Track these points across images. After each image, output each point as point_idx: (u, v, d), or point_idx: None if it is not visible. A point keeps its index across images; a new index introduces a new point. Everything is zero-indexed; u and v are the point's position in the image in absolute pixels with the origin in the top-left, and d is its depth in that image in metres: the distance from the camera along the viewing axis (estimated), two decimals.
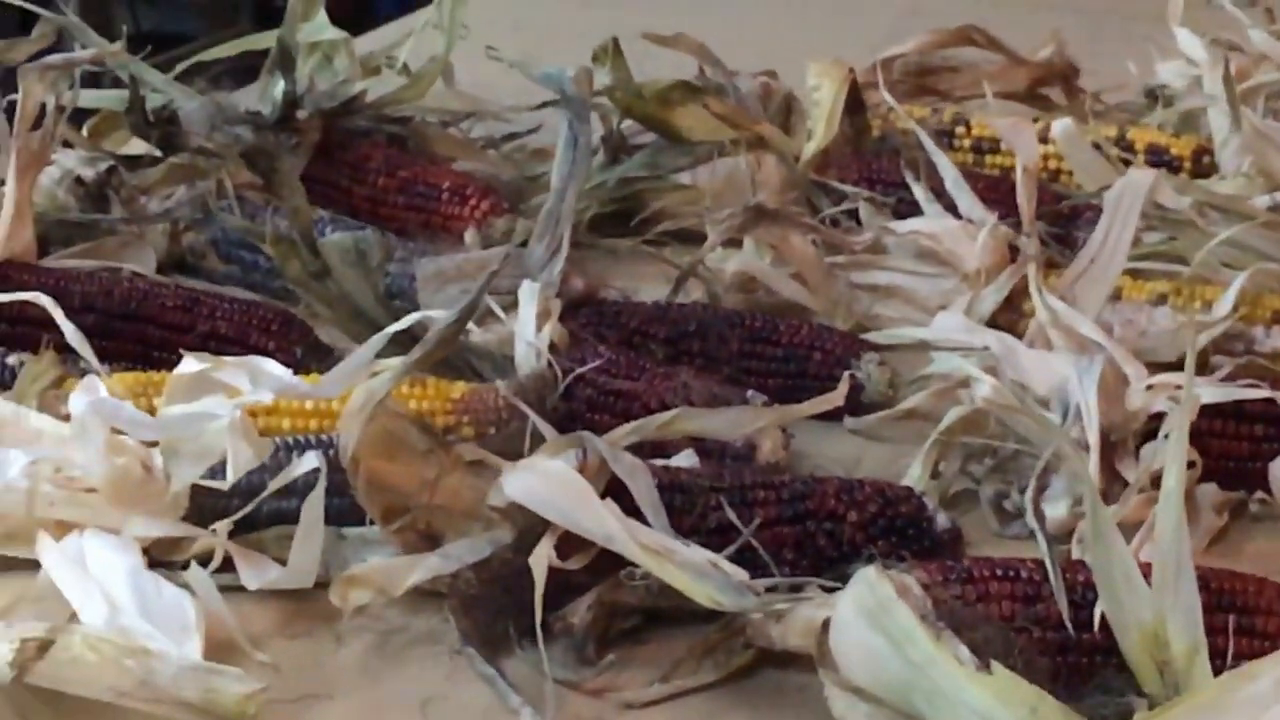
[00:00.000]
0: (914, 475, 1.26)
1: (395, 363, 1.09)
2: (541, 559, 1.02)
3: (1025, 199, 1.35)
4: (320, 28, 1.75)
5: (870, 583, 1.01)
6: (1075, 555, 1.14)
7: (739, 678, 1.09)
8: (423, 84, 1.77)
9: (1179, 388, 1.21)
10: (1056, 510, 1.21)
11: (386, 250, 1.37)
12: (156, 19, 4.12)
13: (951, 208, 1.54)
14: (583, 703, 1.07)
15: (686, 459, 1.25)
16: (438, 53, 1.79)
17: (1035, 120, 1.75)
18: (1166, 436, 1.16)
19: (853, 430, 1.37)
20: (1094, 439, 1.16)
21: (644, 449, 1.25)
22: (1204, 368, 1.37)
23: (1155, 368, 1.34)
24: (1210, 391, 1.21)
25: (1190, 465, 1.20)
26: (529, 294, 1.36)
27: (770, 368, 1.40)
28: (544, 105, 1.77)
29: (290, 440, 1.15)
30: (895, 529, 1.16)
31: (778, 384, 1.39)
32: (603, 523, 1.01)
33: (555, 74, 1.42)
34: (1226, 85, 1.47)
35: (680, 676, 1.08)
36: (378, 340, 1.11)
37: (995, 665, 0.94)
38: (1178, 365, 1.36)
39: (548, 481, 1.04)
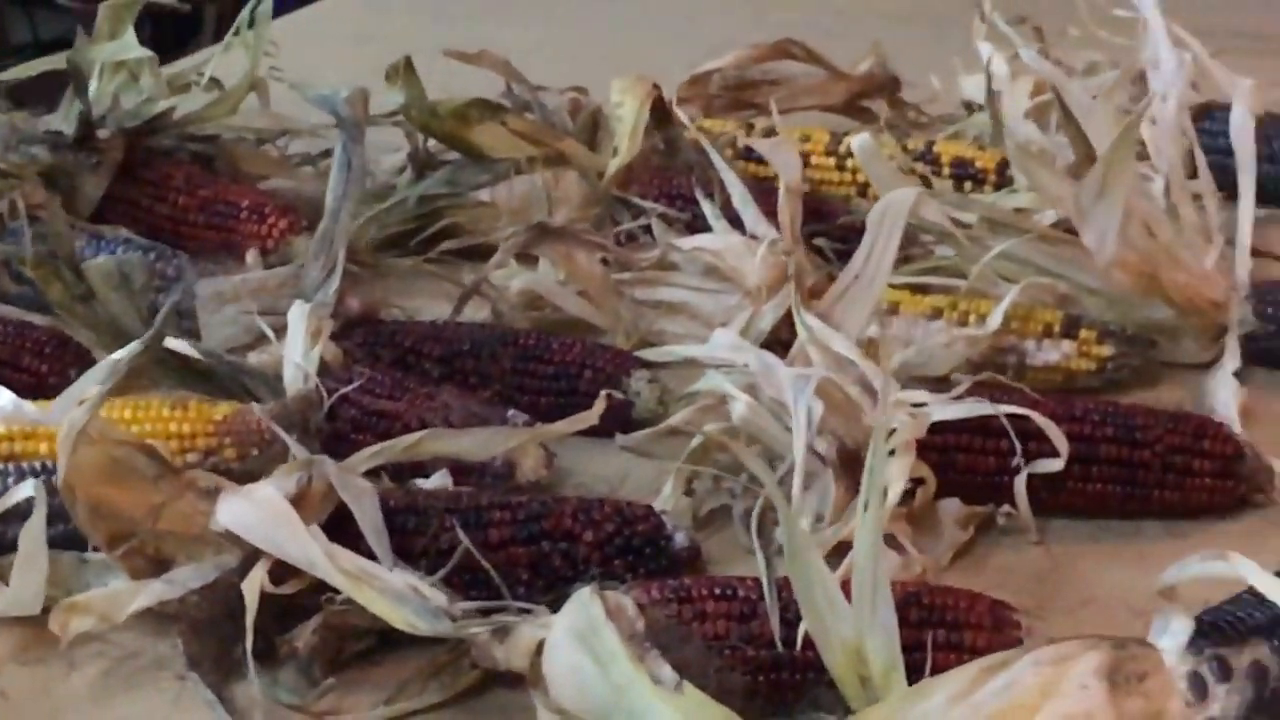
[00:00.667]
0: (666, 493, 1.27)
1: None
2: (254, 584, 1.03)
3: (787, 217, 1.37)
4: (126, 46, 1.75)
5: (583, 603, 1.02)
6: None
7: (468, 698, 1.10)
8: (229, 102, 1.77)
9: (916, 405, 1.23)
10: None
11: (151, 273, 1.37)
12: (60, 28, 4.07)
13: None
14: None
15: (440, 479, 1.26)
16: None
17: (845, 134, 1.77)
18: (892, 453, 1.18)
19: (624, 447, 1.38)
20: (799, 454, 1.18)
21: (404, 470, 1.27)
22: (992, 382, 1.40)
23: (927, 382, 1.37)
24: (943, 410, 1.22)
25: (920, 482, 1.22)
26: (298, 315, 1.37)
27: (541, 385, 1.41)
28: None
29: (12, 467, 1.15)
30: (632, 548, 1.17)
31: (549, 402, 1.40)
32: (305, 548, 1.02)
33: (329, 95, 1.42)
34: (989, 102, 1.48)
35: (406, 698, 1.09)
36: (104, 367, 1.11)
37: (687, 686, 0.96)
38: (944, 380, 1.39)
39: (256, 508, 1.05)
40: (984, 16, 1.51)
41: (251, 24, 1.76)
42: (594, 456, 1.37)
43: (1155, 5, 1.45)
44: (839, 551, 1.22)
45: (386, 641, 1.13)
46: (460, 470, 1.28)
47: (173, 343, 1.28)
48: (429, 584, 1.05)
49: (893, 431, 1.18)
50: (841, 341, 1.30)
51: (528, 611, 1.09)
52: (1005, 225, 1.51)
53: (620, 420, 1.39)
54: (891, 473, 1.17)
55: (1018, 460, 1.23)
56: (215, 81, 1.83)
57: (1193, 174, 1.59)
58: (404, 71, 1.64)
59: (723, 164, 1.55)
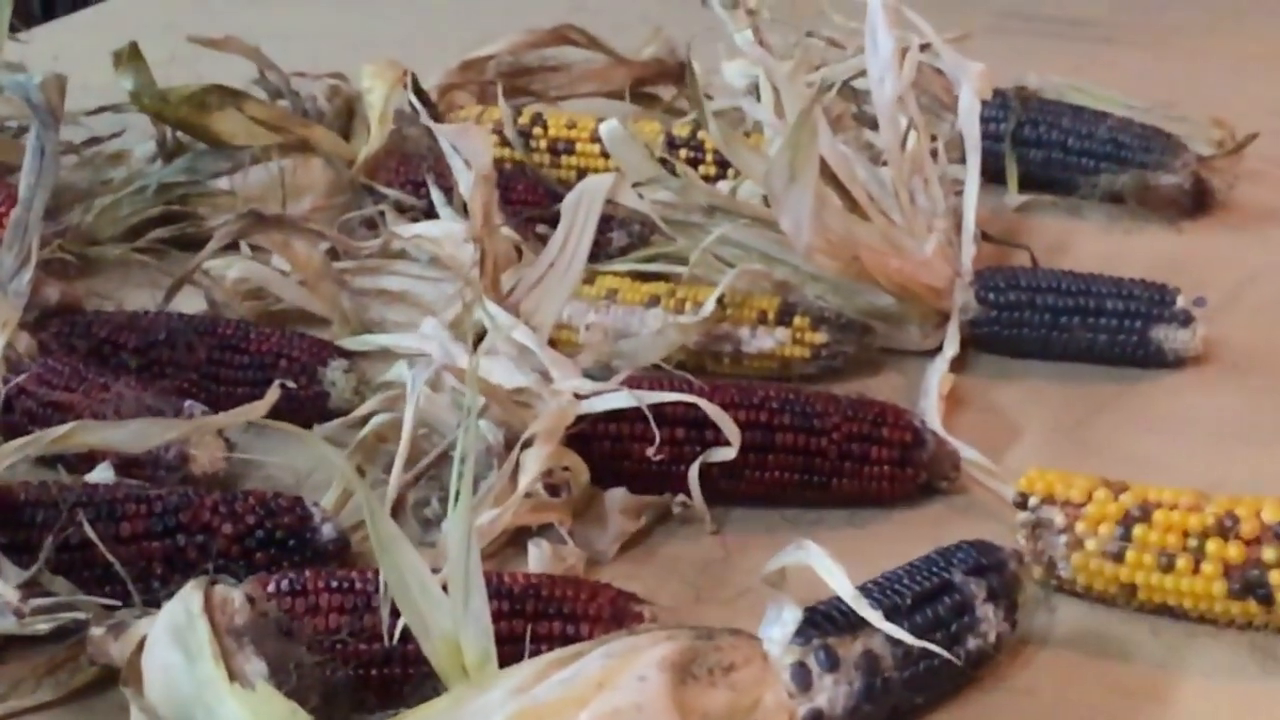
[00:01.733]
0: (334, 485, 1.25)
1: None
2: None
3: (478, 204, 1.34)
4: None
5: (185, 597, 1.01)
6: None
7: (88, 695, 1.08)
8: None
9: (579, 395, 1.21)
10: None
11: None
12: None
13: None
14: None
15: (102, 472, 1.23)
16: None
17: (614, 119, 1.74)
18: (527, 444, 1.16)
19: (315, 439, 1.35)
20: (404, 442, 1.16)
21: (80, 463, 1.24)
22: (698, 369, 1.38)
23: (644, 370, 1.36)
24: (598, 400, 1.20)
25: (565, 469, 1.20)
26: None
27: (238, 375, 1.39)
28: (100, 110, 1.75)
29: None
30: (274, 540, 1.15)
31: (245, 392, 1.38)
32: None
33: (22, 81, 1.39)
34: (690, 87, 1.46)
35: (20, 695, 1.07)
36: None
37: (260, 684, 0.94)
38: (655, 369, 1.38)
39: None
40: (703, 1, 1.49)
41: None
42: (288, 449, 1.34)
43: None
44: (515, 540, 1.21)
45: (13, 639, 1.10)
46: (135, 463, 1.26)
47: None
48: (20, 578, 1.02)
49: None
50: (521, 330, 1.28)
51: (155, 605, 1.06)
52: (730, 211, 1.50)
53: (318, 410, 1.37)
54: (528, 461, 1.15)
55: (650, 450, 1.21)
56: None
57: (961, 159, 1.58)
58: (129, 57, 1.61)
59: (450, 150, 1.53)
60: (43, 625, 1.01)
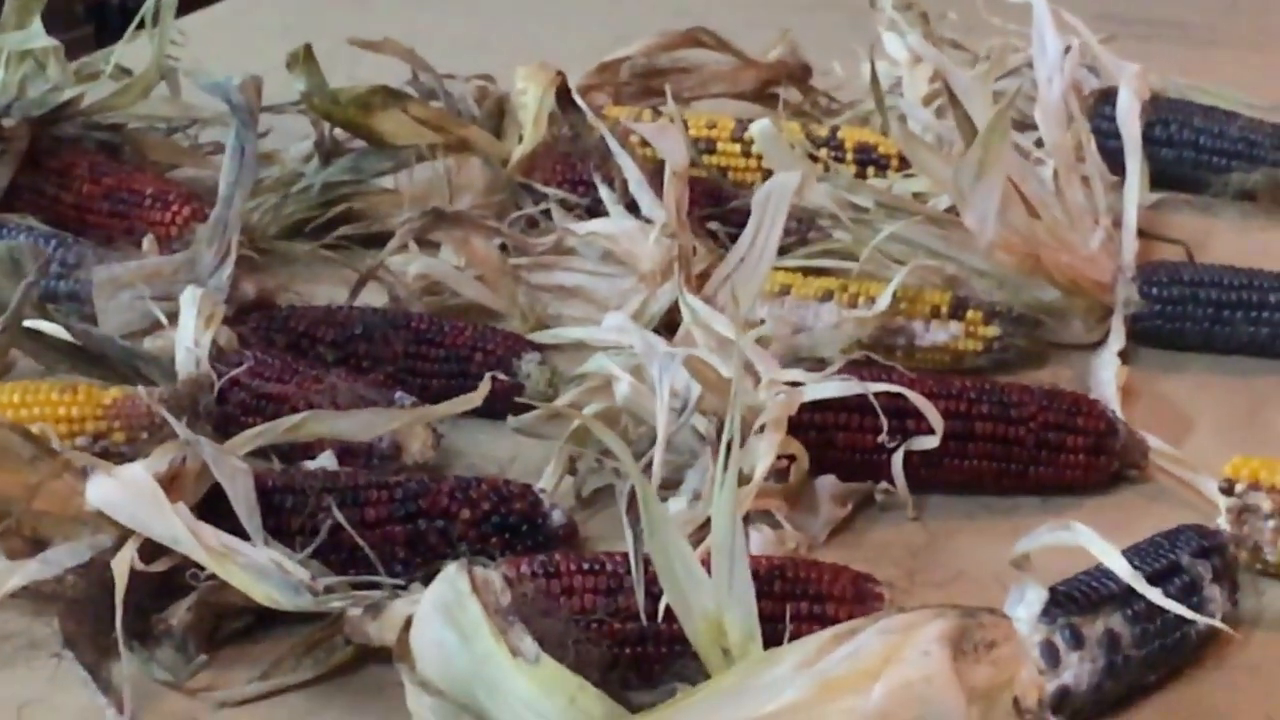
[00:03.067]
0: (549, 473, 1.29)
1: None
2: (123, 562, 1.05)
3: (673, 201, 1.38)
4: (33, 35, 1.76)
5: (450, 579, 1.04)
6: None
7: (343, 674, 1.12)
8: (134, 90, 1.78)
9: (791, 384, 1.25)
10: (679, 504, 1.24)
11: (43, 259, 1.38)
12: None
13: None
14: (179, 701, 1.09)
15: (325, 460, 1.27)
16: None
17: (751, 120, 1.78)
18: (758, 432, 1.20)
19: (515, 429, 1.39)
20: (661, 431, 1.19)
21: (295, 452, 1.28)
22: (869, 361, 1.42)
23: (818, 363, 1.39)
24: (817, 388, 1.24)
25: (789, 459, 1.24)
26: (190, 300, 1.38)
27: (433, 368, 1.43)
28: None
29: None
30: (508, 526, 1.19)
31: (441, 384, 1.42)
32: (169, 525, 1.04)
33: (222, 82, 1.43)
34: (874, 88, 1.50)
35: (280, 674, 1.11)
36: None
37: (544, 658, 0.97)
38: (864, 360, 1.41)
39: (124, 487, 1.07)
40: (874, 3, 1.53)
41: (156, 14, 1.76)
42: (485, 438, 1.39)
43: None
44: None
45: (265, 620, 1.14)
46: (348, 452, 1.30)
47: (40, 325, 1.29)
48: (295, 560, 1.06)
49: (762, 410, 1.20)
50: (722, 322, 1.32)
51: (402, 588, 1.11)
52: (896, 208, 1.53)
53: (512, 402, 1.41)
54: (759, 449, 1.19)
55: (882, 437, 1.24)
56: (124, 70, 1.83)
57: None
58: (304, 59, 1.65)
59: (619, 149, 1.57)
60: (336, 603, 1.05)
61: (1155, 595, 0.99)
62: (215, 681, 1.11)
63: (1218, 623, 1.05)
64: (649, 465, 1.19)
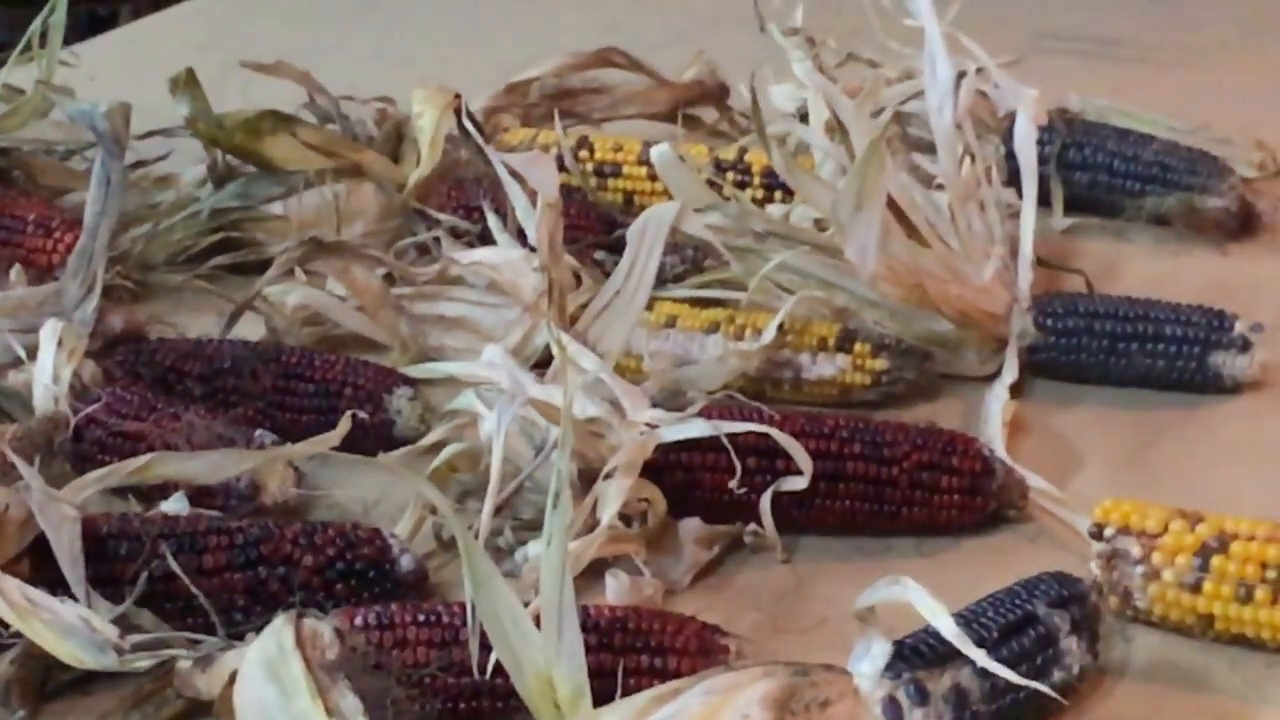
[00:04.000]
0: (407, 514, 1.25)
1: None
2: None
3: (545, 233, 1.35)
4: None
5: (276, 632, 1.01)
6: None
7: None
8: (23, 113, 1.74)
9: (649, 425, 1.21)
10: (537, 548, 1.20)
11: None
12: None
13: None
14: None
15: (176, 502, 1.24)
16: None
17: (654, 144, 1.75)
18: (607, 476, 1.17)
19: (386, 466, 1.36)
20: (495, 476, 1.16)
21: (153, 493, 1.25)
22: (757, 396, 1.38)
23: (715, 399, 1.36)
24: (676, 429, 1.21)
25: (643, 501, 1.21)
26: (50, 334, 1.35)
27: (302, 403, 1.40)
28: (149, 134, 1.75)
29: None
30: (354, 572, 1.15)
31: (311, 420, 1.39)
32: None
33: (88, 110, 1.40)
34: (755, 113, 1.47)
35: None
36: None
37: (357, 718, 0.94)
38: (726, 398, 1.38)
39: None
40: (763, 27, 1.50)
41: (44, 36, 1.73)
42: (355, 475, 1.35)
43: (932, 14, 1.43)
44: (589, 571, 1.21)
45: (99, 672, 1.10)
46: (206, 492, 1.27)
47: None
48: (113, 613, 1.03)
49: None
50: (590, 359, 1.29)
51: (240, 638, 1.07)
52: (788, 237, 1.50)
53: (383, 438, 1.38)
54: (608, 493, 1.15)
55: (733, 482, 1.21)
56: (17, 91, 1.80)
57: (1010, 183, 1.59)
58: (185, 82, 1.62)
59: (506, 176, 1.53)
60: (143, 662, 1.01)
61: (980, 657, 0.95)
62: None
63: (1043, 688, 1.01)
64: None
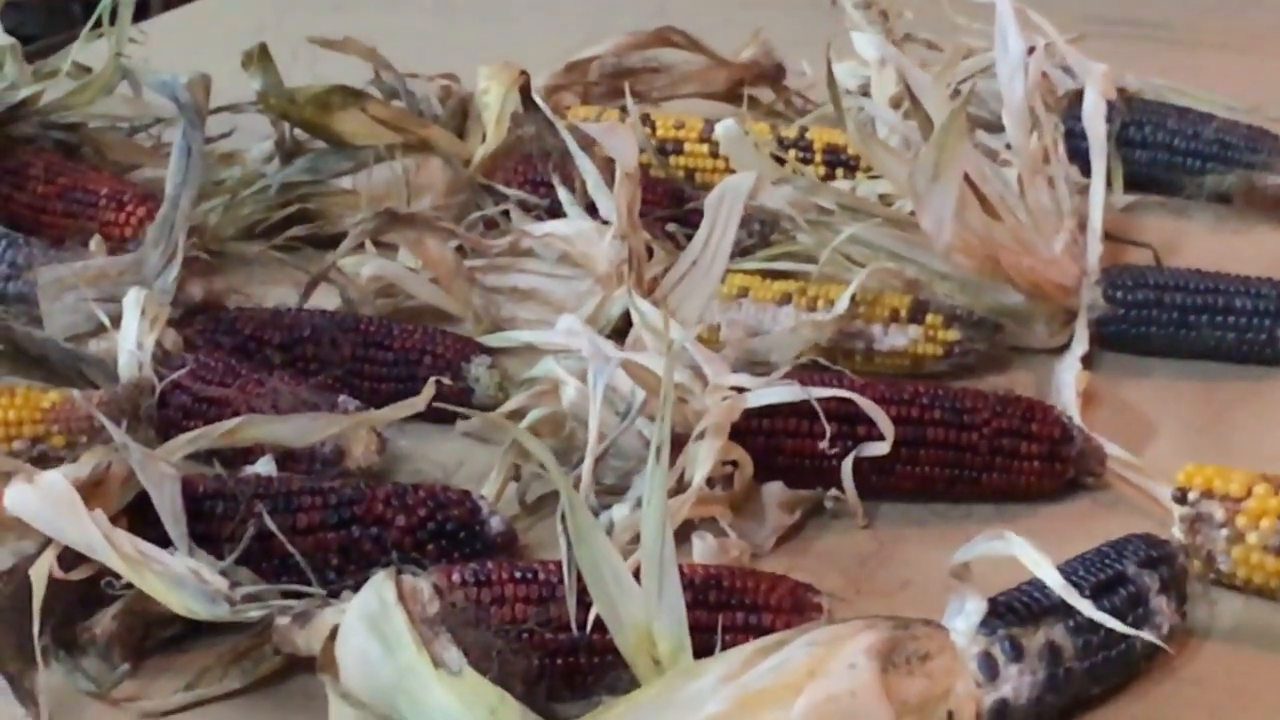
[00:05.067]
0: (492, 478, 1.26)
1: None
2: (42, 569, 1.03)
3: (623, 202, 1.36)
4: None
5: (377, 587, 1.02)
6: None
7: (272, 684, 1.10)
8: (91, 89, 1.76)
9: (736, 389, 1.22)
10: (622, 511, 1.21)
11: None
12: None
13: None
14: (103, 712, 1.07)
15: (264, 465, 1.25)
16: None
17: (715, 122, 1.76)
18: (698, 438, 1.18)
19: (465, 433, 1.37)
20: (592, 436, 1.18)
21: (236, 457, 1.26)
22: (817, 367, 1.39)
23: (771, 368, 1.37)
24: (761, 394, 1.22)
25: (733, 464, 1.22)
26: (133, 302, 1.37)
27: (381, 372, 1.41)
28: (215, 110, 1.76)
29: None
30: (445, 533, 1.17)
31: (390, 388, 1.40)
32: (85, 532, 1.02)
33: (169, 81, 1.41)
34: (831, 88, 1.48)
35: (206, 684, 1.09)
36: None
37: (465, 670, 0.95)
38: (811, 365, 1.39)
39: (39, 493, 1.04)
40: (835, 1, 1.51)
41: (114, 13, 1.74)
42: (434, 443, 1.37)
43: None
44: (679, 533, 1.22)
45: (195, 629, 1.12)
46: (291, 457, 1.28)
47: None
48: (217, 568, 1.04)
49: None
50: (676, 328, 1.30)
51: (334, 596, 1.08)
52: (857, 210, 1.51)
53: (462, 406, 1.39)
54: (699, 456, 1.16)
55: (823, 444, 1.22)
56: (84, 69, 1.81)
57: (1071, 160, 1.60)
58: (259, 58, 1.63)
59: (577, 150, 1.54)
60: (253, 613, 1.02)
61: (1088, 608, 0.96)
62: (141, 691, 1.09)
63: (1152, 637, 1.02)
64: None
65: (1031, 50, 1.50)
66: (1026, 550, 0.96)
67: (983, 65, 1.65)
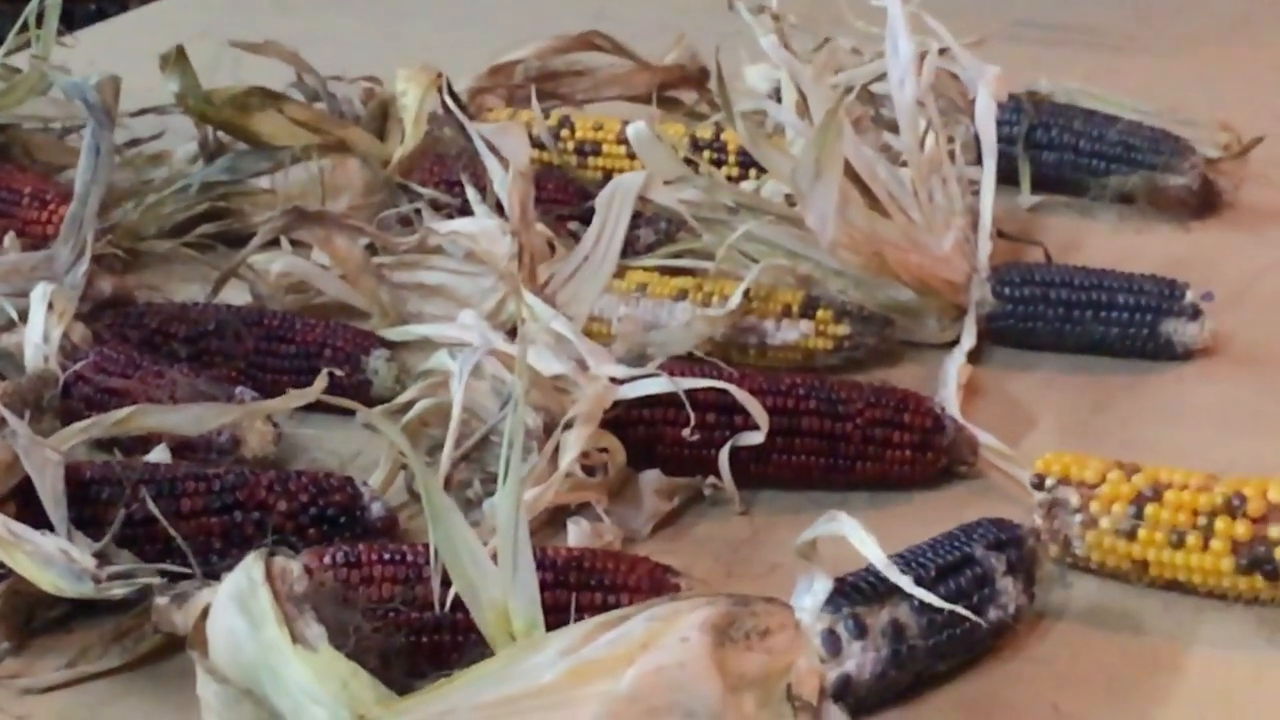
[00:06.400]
0: (380, 465, 1.30)
1: None
2: None
3: (516, 200, 1.40)
4: None
5: (247, 567, 1.06)
6: None
7: (151, 661, 1.14)
8: (19, 91, 1.80)
9: (614, 380, 1.26)
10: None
11: None
12: None
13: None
14: None
15: (159, 454, 1.29)
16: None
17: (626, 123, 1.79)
18: (568, 426, 1.22)
19: (364, 424, 1.41)
20: (454, 424, 1.22)
21: (135, 446, 1.30)
22: (724, 361, 1.43)
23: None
24: (632, 385, 1.26)
25: (603, 452, 1.26)
26: (40, 296, 1.41)
27: (283, 364, 1.45)
28: (142, 112, 1.81)
29: None
30: (326, 518, 1.21)
31: (291, 380, 1.43)
32: None
33: (79, 83, 1.45)
34: (720, 89, 1.52)
35: (87, 661, 1.12)
36: None
37: (323, 646, 0.99)
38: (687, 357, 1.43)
39: None
40: (731, 5, 1.55)
41: (40, 16, 1.78)
42: (333, 434, 1.40)
43: None
44: (553, 519, 1.26)
45: (81, 610, 1.16)
46: (188, 446, 1.32)
47: None
48: (92, 549, 1.08)
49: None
50: (560, 321, 1.34)
51: (216, 578, 1.12)
52: (756, 209, 1.55)
53: (360, 397, 1.42)
54: (568, 442, 1.20)
55: (686, 432, 1.26)
56: (13, 70, 1.85)
57: (976, 160, 1.64)
58: (176, 60, 1.67)
59: (485, 149, 1.58)
60: (118, 590, 1.06)
61: (910, 587, 1.00)
62: (24, 669, 1.13)
63: (974, 617, 1.06)
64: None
65: (925, 54, 1.54)
66: (857, 532, 0.99)
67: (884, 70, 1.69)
